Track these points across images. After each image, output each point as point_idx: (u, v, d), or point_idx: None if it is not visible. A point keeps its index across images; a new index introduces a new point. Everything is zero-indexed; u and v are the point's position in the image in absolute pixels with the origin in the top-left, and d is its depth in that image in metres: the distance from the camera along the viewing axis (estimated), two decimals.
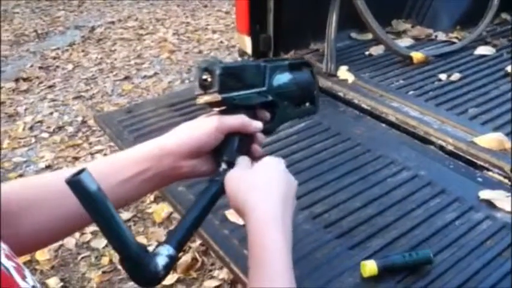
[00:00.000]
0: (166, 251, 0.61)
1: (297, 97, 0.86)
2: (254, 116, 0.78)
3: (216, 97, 0.72)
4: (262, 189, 0.66)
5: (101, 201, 0.52)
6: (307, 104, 0.89)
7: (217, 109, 0.76)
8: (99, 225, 0.54)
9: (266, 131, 0.79)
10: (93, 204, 0.52)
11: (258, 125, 0.75)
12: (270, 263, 0.59)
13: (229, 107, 0.74)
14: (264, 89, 0.79)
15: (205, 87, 0.72)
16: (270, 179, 0.67)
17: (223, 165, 0.72)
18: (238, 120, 0.73)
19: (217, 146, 0.73)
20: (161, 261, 0.59)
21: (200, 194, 0.71)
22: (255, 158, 0.75)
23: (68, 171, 0.64)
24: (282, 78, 0.83)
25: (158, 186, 0.74)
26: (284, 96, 0.82)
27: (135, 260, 0.56)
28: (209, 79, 0.72)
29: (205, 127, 0.72)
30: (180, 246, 0.63)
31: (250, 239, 0.62)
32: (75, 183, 0.50)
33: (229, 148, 0.73)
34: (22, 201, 0.64)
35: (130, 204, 2.17)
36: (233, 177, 0.69)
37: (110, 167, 0.70)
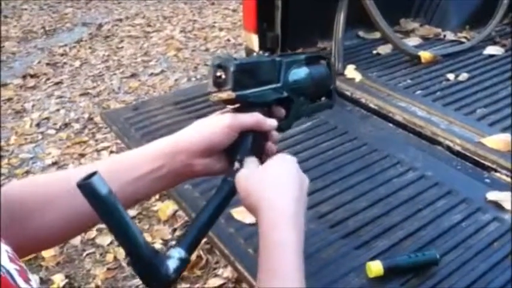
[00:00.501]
0: (177, 253, 0.60)
1: (313, 92, 0.83)
2: (269, 113, 0.76)
3: (230, 95, 0.70)
4: (278, 187, 0.65)
5: (112, 205, 0.51)
6: (323, 99, 0.87)
7: (231, 106, 0.74)
8: (110, 228, 0.53)
9: (281, 128, 0.77)
10: (104, 207, 0.51)
11: (272, 123, 0.73)
12: (282, 263, 0.59)
13: (244, 105, 0.73)
14: (279, 85, 0.77)
15: (219, 84, 0.70)
16: (285, 177, 0.66)
17: (237, 164, 0.71)
18: (253, 118, 0.72)
19: (231, 144, 0.72)
20: (172, 264, 0.59)
21: (213, 194, 0.70)
22: (269, 156, 0.73)
23: (79, 171, 0.65)
24: (298, 73, 0.80)
25: (170, 184, 0.74)
26: (300, 92, 0.80)
27: (146, 263, 0.56)
28: (223, 76, 0.70)
29: (218, 125, 0.71)
30: (191, 249, 0.63)
31: (262, 237, 0.62)
32: (86, 186, 0.50)
33: (243, 147, 0.72)
34: (33, 199, 0.64)
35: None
36: (245, 175, 0.68)
37: (123, 164, 0.70)
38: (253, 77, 0.73)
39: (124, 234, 0.53)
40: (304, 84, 0.81)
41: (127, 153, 0.74)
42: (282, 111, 0.79)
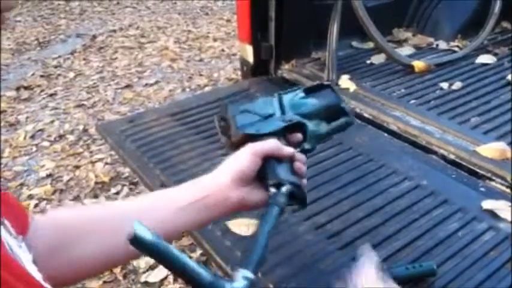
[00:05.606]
0: (242, 274, 0.62)
1: (324, 113, 0.86)
2: (286, 141, 0.80)
3: (238, 135, 0.76)
4: None
5: (162, 247, 0.55)
6: (341, 118, 0.90)
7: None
8: (168, 268, 0.56)
9: (306, 150, 0.81)
10: (156, 252, 0.54)
11: (289, 150, 0.77)
12: None
13: (256, 139, 0.77)
14: (280, 115, 0.82)
15: (227, 133, 0.77)
16: None
17: (272, 189, 0.74)
18: (270, 143, 0.76)
19: (260, 174, 0.75)
20: (238, 285, 0.60)
21: (262, 219, 0.72)
22: (299, 175, 0.77)
23: (123, 206, 0.76)
24: (298, 100, 0.85)
25: (211, 217, 0.77)
26: (308, 116, 0.84)
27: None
28: (227, 124, 0.77)
29: (243, 154, 0.75)
30: (255, 270, 0.64)
31: None
32: (132, 239, 0.53)
33: (271, 171, 0.75)
34: (76, 228, 0.68)
35: None
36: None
37: (166, 197, 0.75)
38: (255, 114, 0.79)
39: (182, 270, 0.56)
40: (307, 108, 0.84)
41: (167, 190, 0.79)
42: (298, 136, 0.83)
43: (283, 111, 0.81)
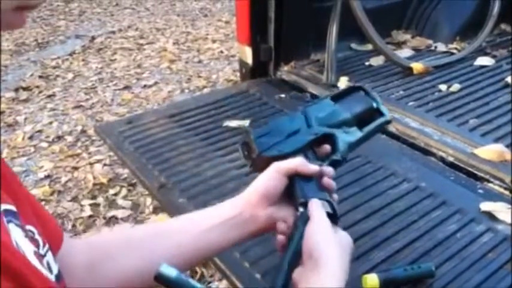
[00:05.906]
0: None
1: (354, 120, 0.82)
2: (315, 154, 0.78)
3: (261, 157, 0.76)
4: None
5: (183, 282, 0.60)
6: (377, 120, 0.84)
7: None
8: None
9: (334, 163, 0.78)
10: (178, 285, 0.60)
11: (314, 167, 0.75)
12: None
13: (281, 158, 0.75)
14: (308, 129, 0.79)
15: (250, 157, 0.77)
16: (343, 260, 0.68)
17: (300, 209, 0.72)
18: (294, 161, 0.75)
19: (289, 193, 0.74)
20: None
21: (289, 241, 0.70)
22: (328, 190, 0.75)
23: (141, 230, 0.84)
24: (324, 109, 0.82)
25: (241, 236, 0.76)
26: (335, 125, 0.80)
27: None
28: (249, 148, 0.77)
29: (266, 174, 0.75)
30: None
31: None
32: (158, 276, 0.60)
33: (298, 190, 0.73)
34: (98, 254, 0.71)
35: (135, 218, 2.18)
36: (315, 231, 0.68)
37: (190, 221, 0.76)
38: (278, 134, 0.78)
39: None
40: (335, 118, 0.81)
41: (200, 210, 0.79)
42: (326, 148, 0.80)
43: (308, 125, 0.78)
